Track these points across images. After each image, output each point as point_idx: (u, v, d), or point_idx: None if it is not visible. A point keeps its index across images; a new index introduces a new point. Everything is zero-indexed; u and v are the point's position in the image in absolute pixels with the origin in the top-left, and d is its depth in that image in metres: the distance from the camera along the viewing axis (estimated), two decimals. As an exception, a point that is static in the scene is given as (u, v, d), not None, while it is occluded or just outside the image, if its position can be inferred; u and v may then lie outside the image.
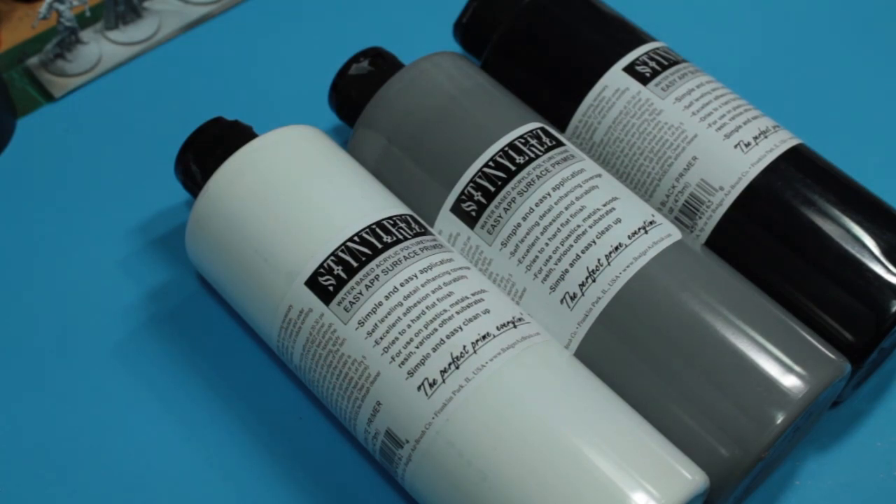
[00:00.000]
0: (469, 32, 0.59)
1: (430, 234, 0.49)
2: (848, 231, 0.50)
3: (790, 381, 0.46)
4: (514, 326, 0.46)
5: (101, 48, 0.64)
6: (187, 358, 0.54)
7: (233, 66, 0.65)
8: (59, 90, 0.63)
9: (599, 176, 0.50)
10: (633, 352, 0.47)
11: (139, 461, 0.51)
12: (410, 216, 0.50)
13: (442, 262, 0.48)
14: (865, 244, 0.50)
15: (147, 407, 0.53)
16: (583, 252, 0.48)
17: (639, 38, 0.55)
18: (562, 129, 0.55)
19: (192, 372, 0.53)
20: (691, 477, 0.44)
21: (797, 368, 0.46)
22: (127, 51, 0.65)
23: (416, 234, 0.49)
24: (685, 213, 0.52)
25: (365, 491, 0.51)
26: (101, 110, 0.63)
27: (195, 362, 0.54)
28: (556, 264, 0.48)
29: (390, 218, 0.49)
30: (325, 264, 0.47)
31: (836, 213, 0.50)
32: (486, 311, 0.46)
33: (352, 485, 0.51)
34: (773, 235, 0.50)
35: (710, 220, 0.51)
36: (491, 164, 0.50)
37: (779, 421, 0.45)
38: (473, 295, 0.47)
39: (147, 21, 0.66)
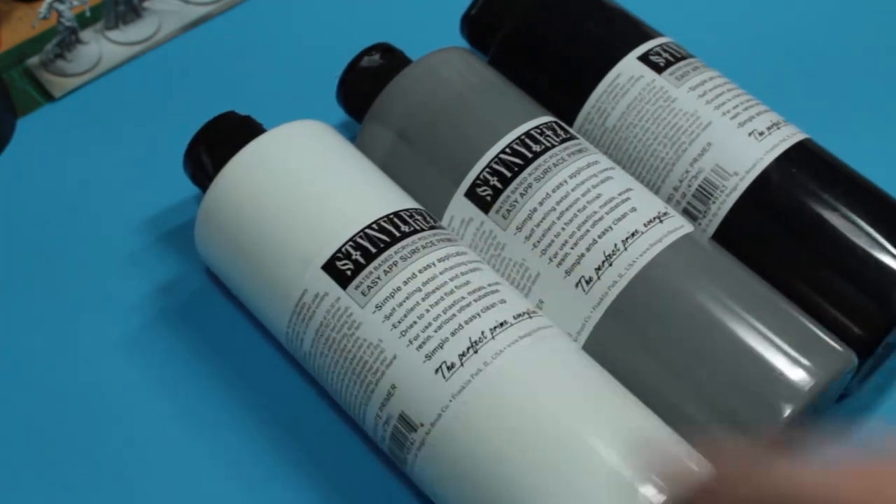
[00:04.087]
0: (478, 24, 0.59)
1: (444, 228, 0.50)
2: (857, 224, 0.50)
3: (797, 373, 0.46)
4: (530, 317, 0.47)
5: (101, 48, 0.64)
6: (196, 352, 0.54)
7: (233, 66, 0.65)
8: (59, 90, 0.63)
9: (613, 168, 0.51)
10: (644, 339, 0.47)
11: (147, 454, 0.51)
12: (424, 211, 0.50)
13: (458, 254, 0.48)
14: (875, 237, 0.50)
15: (155, 401, 0.52)
16: (599, 237, 0.48)
17: (649, 32, 0.56)
18: (574, 116, 0.55)
19: (200, 366, 0.53)
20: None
21: (804, 360, 0.46)
22: (127, 51, 0.65)
23: (432, 227, 0.49)
24: (698, 199, 0.52)
25: (369, 483, 0.51)
26: (101, 110, 0.62)
27: (204, 356, 0.54)
28: (571, 248, 0.49)
29: (406, 210, 0.49)
30: (343, 249, 0.47)
31: (848, 204, 0.51)
32: (503, 301, 0.47)
33: (357, 476, 0.51)
34: (784, 224, 0.51)
35: (723, 205, 0.51)
36: (507, 150, 0.51)
37: (786, 412, 0.45)
38: (489, 286, 0.47)
39: (147, 21, 0.66)
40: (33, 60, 0.64)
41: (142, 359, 0.54)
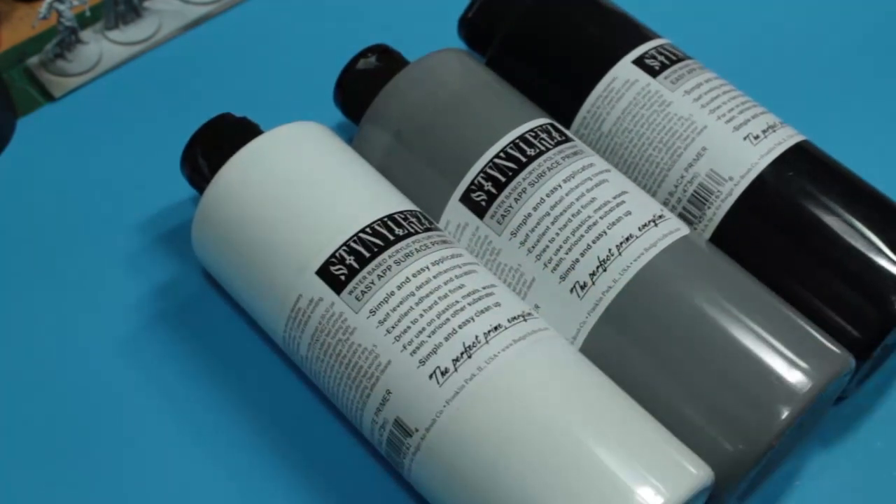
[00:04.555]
0: (475, 26, 0.59)
1: (439, 230, 0.50)
2: (854, 226, 0.50)
3: (795, 376, 0.46)
4: (525, 320, 0.47)
5: (101, 48, 0.65)
6: (194, 353, 0.54)
7: (233, 66, 0.65)
8: (59, 90, 0.63)
9: (608, 171, 0.51)
10: (640, 344, 0.47)
11: (144, 455, 0.51)
12: (420, 212, 0.50)
13: (452, 257, 0.48)
14: (871, 239, 0.50)
15: (153, 402, 0.52)
16: (594, 242, 0.48)
17: (645, 34, 0.56)
18: (569, 121, 0.55)
19: (198, 367, 0.53)
20: (696, 471, 0.44)
21: (802, 363, 0.46)
22: (127, 51, 0.65)
23: (427, 230, 0.49)
24: (693, 204, 0.52)
25: (368, 485, 0.51)
26: (101, 110, 0.63)
27: (202, 358, 0.54)
28: (566, 254, 0.49)
29: (401, 212, 0.49)
30: (336, 254, 0.47)
31: (844, 207, 0.51)
32: (497, 304, 0.47)
33: (355, 479, 0.51)
34: (780, 228, 0.51)
35: (718, 211, 0.51)
36: (502, 154, 0.51)
37: (784, 416, 0.45)
38: (484, 289, 0.47)
39: (147, 21, 0.66)
40: (33, 60, 0.64)
41: (140, 360, 0.54)
